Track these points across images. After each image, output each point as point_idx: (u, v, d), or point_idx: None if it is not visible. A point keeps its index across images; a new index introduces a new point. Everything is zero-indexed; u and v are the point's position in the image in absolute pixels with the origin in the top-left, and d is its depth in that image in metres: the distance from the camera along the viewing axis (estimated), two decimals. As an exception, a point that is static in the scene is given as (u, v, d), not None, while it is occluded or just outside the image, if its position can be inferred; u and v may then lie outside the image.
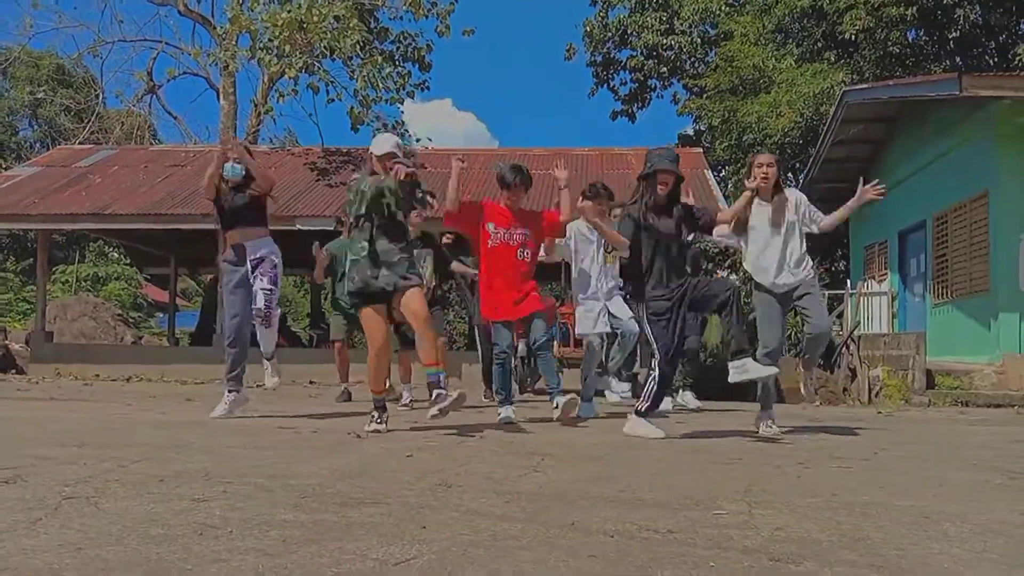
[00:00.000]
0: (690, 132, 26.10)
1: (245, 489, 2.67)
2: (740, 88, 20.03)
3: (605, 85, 26.23)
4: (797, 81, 17.35)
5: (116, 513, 2.30)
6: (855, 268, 16.55)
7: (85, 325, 17.06)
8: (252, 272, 5.57)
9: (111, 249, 26.97)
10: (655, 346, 4.66)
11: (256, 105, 18.66)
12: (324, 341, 13.78)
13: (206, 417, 5.45)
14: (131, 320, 23.00)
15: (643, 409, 4.69)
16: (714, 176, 18.12)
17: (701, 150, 16.28)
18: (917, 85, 11.53)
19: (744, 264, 5.35)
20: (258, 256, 5.61)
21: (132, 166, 14.60)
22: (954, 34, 15.59)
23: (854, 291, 14.68)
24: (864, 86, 13.94)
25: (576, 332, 6.77)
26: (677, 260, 4.78)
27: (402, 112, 15.52)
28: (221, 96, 18.59)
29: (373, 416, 4.77)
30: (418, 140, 16.55)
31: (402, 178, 4.74)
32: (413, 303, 4.71)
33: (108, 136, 21.26)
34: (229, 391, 5.60)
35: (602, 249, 6.35)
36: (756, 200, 5.13)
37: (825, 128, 15.15)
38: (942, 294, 12.79)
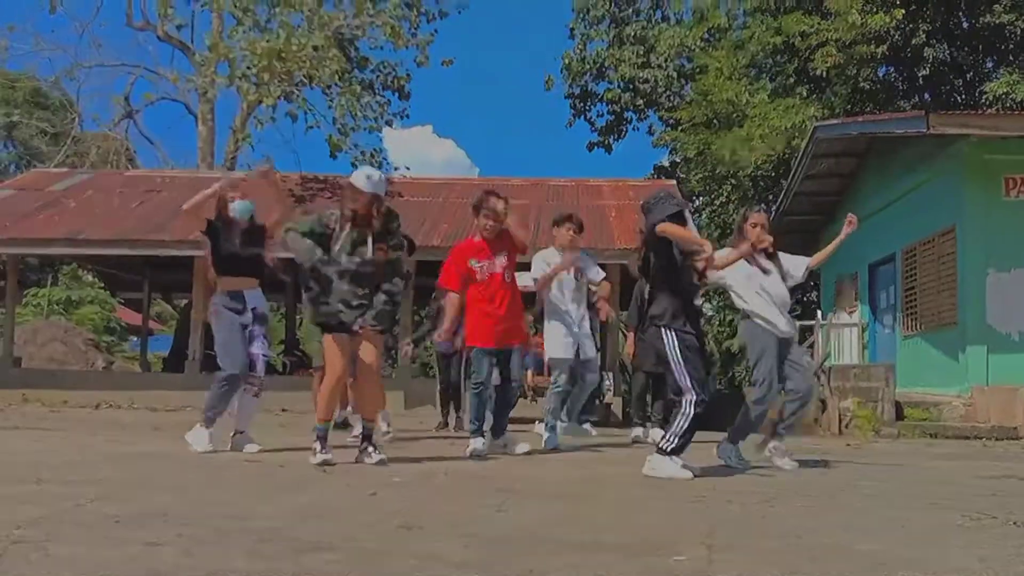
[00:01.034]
0: (665, 163, 26.39)
1: (201, 532, 2.64)
2: (714, 122, 20.30)
3: (582, 116, 26.55)
4: (770, 115, 17.62)
5: (66, 559, 2.26)
6: (826, 300, 16.73)
7: (55, 350, 16.83)
8: (251, 324, 5.37)
9: (85, 272, 26.70)
10: (688, 382, 4.51)
11: (234, 131, 18.66)
12: (298, 367, 13.68)
13: (174, 449, 5.36)
14: (103, 344, 22.72)
15: (669, 448, 4.48)
16: (688, 207, 18.32)
17: (675, 182, 16.41)
18: (886, 122, 11.75)
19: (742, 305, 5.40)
20: (257, 309, 5.43)
21: (107, 191, 14.49)
22: (923, 72, 15.94)
23: (824, 322, 14.82)
24: (835, 121, 14.18)
25: (546, 357, 6.78)
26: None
27: (382, 139, 15.54)
28: (199, 122, 18.58)
29: (315, 448, 4.62)
30: (396, 169, 16.60)
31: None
32: (369, 355, 4.77)
33: (84, 159, 21.14)
34: (205, 427, 5.31)
35: (574, 276, 6.40)
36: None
37: (797, 162, 15.36)
38: (912, 326, 12.94)
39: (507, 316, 5.64)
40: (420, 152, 66.77)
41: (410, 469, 4.59)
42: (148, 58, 38.18)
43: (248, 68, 13.45)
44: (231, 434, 5.40)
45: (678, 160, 24.76)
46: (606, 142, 27.10)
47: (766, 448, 5.31)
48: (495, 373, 5.74)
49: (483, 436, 5.63)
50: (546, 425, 6.42)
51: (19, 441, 6.06)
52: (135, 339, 28.31)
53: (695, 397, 4.46)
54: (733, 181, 19.13)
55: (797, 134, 16.67)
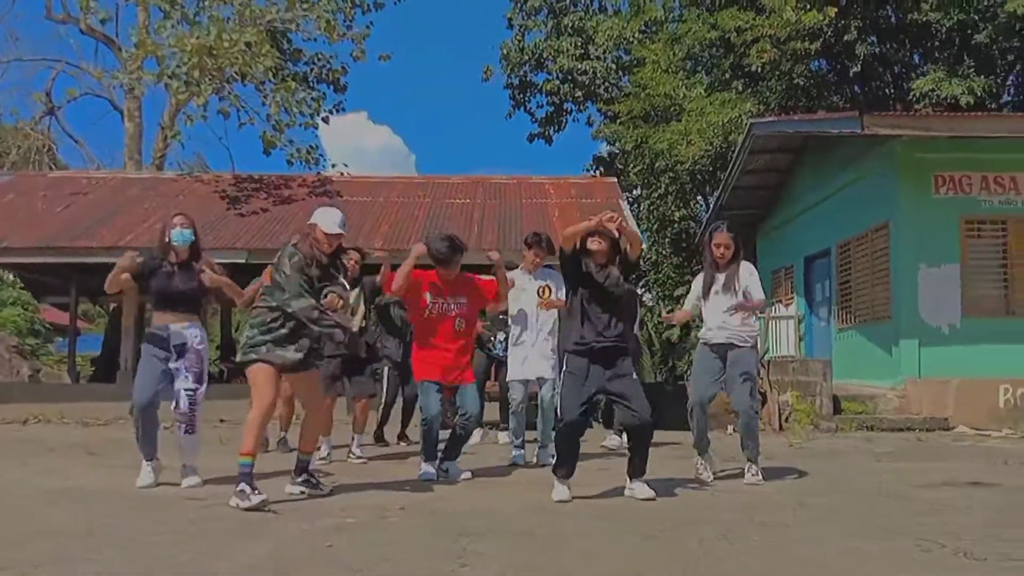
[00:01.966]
0: (604, 155, 26.50)
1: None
2: (652, 115, 20.46)
3: (522, 108, 26.43)
4: (707, 110, 17.82)
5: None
6: (764, 291, 17.05)
7: (-24, 358, 16.10)
8: (175, 358, 5.13)
9: (5, 272, 25.59)
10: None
11: (163, 128, 18.04)
12: (235, 375, 13.36)
13: (112, 482, 5.14)
14: (28, 348, 21.82)
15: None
16: (627, 199, 18.48)
17: (615, 179, 16.50)
18: (821, 121, 11.99)
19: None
20: (183, 342, 5.15)
21: (29, 194, 13.88)
22: (855, 68, 16.29)
23: (762, 315, 15.12)
24: (771, 119, 14.41)
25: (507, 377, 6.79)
26: None
27: (317, 134, 15.24)
28: (126, 118, 17.90)
29: (244, 491, 4.34)
30: (334, 166, 16.30)
31: (335, 307, 4.64)
32: (312, 389, 4.81)
33: (3, 159, 20.18)
34: (144, 459, 5.14)
35: (537, 298, 6.37)
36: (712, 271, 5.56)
37: (734, 158, 15.58)
38: (846, 319, 13.28)
39: (454, 358, 5.59)
40: (354, 139, 65.65)
41: (363, 503, 4.49)
42: (70, 52, 36.40)
43: (178, 67, 12.99)
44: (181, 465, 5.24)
45: (616, 151, 24.89)
46: (546, 133, 27.06)
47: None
48: (444, 407, 5.72)
49: (433, 460, 5.60)
50: (512, 443, 6.56)
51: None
52: (61, 340, 27.30)
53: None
54: (671, 175, 19.32)
55: (734, 129, 16.89)
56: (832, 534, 3.76)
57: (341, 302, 4.67)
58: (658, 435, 8.32)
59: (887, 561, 3.24)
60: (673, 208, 21.28)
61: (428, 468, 5.52)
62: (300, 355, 4.65)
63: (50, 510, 4.36)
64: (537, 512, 4.26)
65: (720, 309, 5.51)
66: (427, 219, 12.82)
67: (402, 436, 8.16)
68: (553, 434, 6.51)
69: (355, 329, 6.42)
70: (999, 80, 15.36)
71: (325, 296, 4.61)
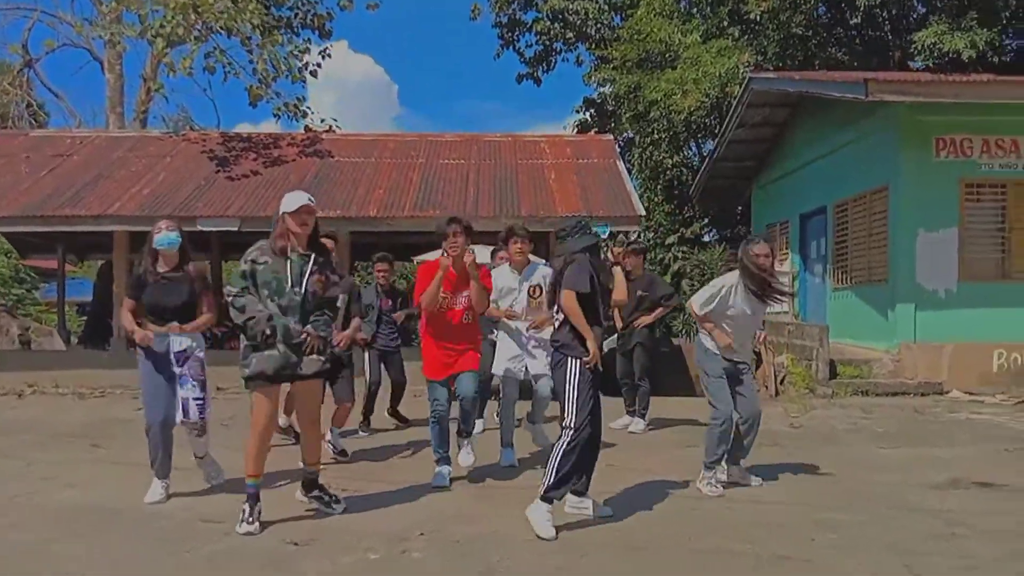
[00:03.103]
0: (595, 97, 26.03)
1: None
2: (646, 62, 20.04)
3: (511, 47, 25.86)
4: (703, 58, 17.46)
5: None
6: (758, 246, 17.00)
7: (-35, 319, 15.88)
8: (176, 365, 5.08)
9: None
10: (574, 412, 4.55)
11: (145, 80, 17.49)
12: (230, 337, 13.26)
13: (122, 494, 5.10)
14: (14, 299, 21.58)
15: (547, 487, 4.54)
16: (619, 143, 18.18)
17: (611, 136, 16.23)
18: (824, 83, 11.76)
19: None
20: (183, 349, 5.10)
21: (11, 155, 13.50)
22: (855, 19, 15.93)
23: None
24: (771, 75, 14.13)
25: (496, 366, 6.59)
26: None
27: (303, 86, 14.82)
28: (106, 69, 17.31)
29: (244, 511, 4.44)
30: (323, 120, 15.93)
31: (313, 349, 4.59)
32: (311, 402, 4.73)
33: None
34: (156, 476, 5.12)
35: (528, 298, 6.27)
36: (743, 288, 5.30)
37: (731, 111, 15.34)
38: (842, 279, 13.30)
39: (461, 350, 5.62)
40: (334, 69, 63.94)
41: (381, 529, 4.48)
42: (47, 1, 34.74)
43: (161, 26, 12.50)
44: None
45: (607, 92, 24.46)
46: (535, 74, 26.56)
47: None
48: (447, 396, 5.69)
49: (448, 465, 5.60)
50: (502, 441, 6.36)
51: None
52: (46, 285, 27.03)
53: (573, 431, 4.47)
54: (665, 123, 19.02)
55: (730, 80, 16.60)
56: (850, 569, 3.78)
57: (319, 343, 4.59)
58: (658, 407, 8.49)
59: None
60: (666, 155, 21.02)
61: (441, 470, 5.55)
62: (287, 357, 4.52)
63: (64, 545, 4.32)
64: (561, 548, 4.22)
65: (750, 330, 5.48)
66: (422, 182, 12.60)
67: (393, 413, 8.12)
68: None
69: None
70: (1001, 32, 15.07)
71: (305, 334, 4.55)
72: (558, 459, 4.43)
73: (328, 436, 6.57)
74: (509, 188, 12.34)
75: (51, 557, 4.09)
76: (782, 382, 11.51)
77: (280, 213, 4.60)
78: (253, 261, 4.57)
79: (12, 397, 10.78)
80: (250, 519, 4.43)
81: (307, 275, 4.58)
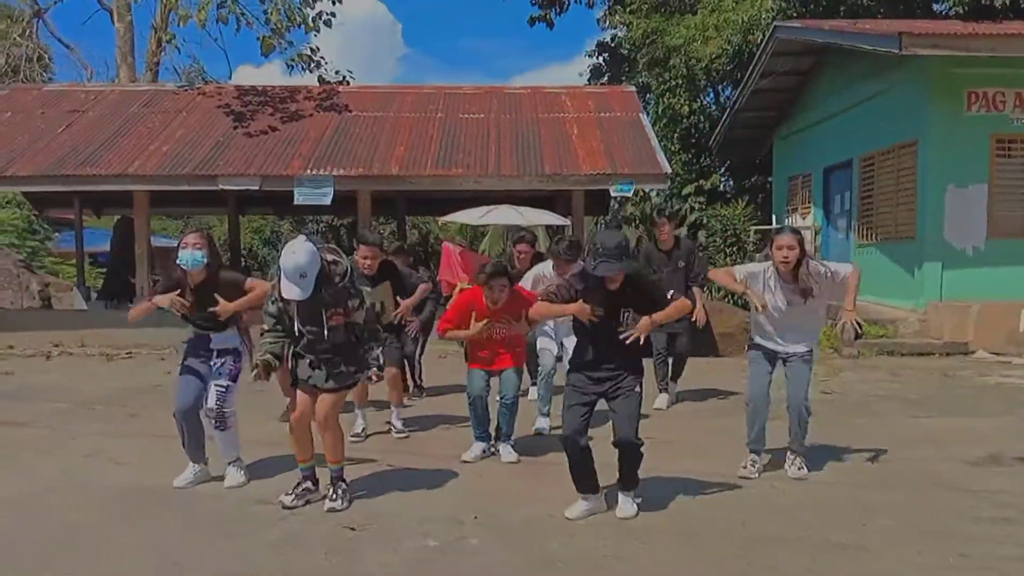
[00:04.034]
0: (609, 40, 25.48)
1: None
2: (664, 6, 19.58)
3: (522, -12, 25.30)
4: (724, 4, 17.05)
5: None
6: (778, 199, 16.83)
7: (-16, 274, 15.95)
8: (215, 357, 5.05)
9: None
10: None
11: (155, 29, 17.14)
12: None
13: (169, 473, 5.10)
14: (29, 252, 21.55)
15: None
16: (634, 87, 17.79)
17: (633, 88, 15.91)
18: (854, 34, 11.46)
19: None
20: (224, 347, 5.08)
21: (27, 111, 13.32)
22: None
23: (782, 226, 14.97)
24: (797, 24, 13.78)
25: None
26: None
27: (316, 35, 14.44)
28: (115, 19, 16.96)
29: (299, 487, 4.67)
30: (337, 72, 15.64)
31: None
32: (321, 409, 4.65)
33: (-8, 68, 19.19)
34: (193, 462, 5.11)
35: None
36: (774, 277, 5.11)
37: (754, 61, 15.02)
38: (867, 235, 13.16)
39: (502, 351, 5.70)
40: (336, 9, 62.40)
41: (434, 512, 4.51)
42: None
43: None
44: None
45: (621, 35, 23.94)
46: (547, 16, 26.01)
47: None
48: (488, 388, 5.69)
49: (484, 442, 5.69)
50: (539, 412, 6.44)
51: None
52: (59, 235, 27.03)
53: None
54: (684, 70, 18.62)
55: (753, 27, 16.20)
56: (918, 565, 3.78)
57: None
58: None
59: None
60: (684, 103, 20.65)
61: (474, 448, 5.65)
62: (312, 371, 4.65)
63: (117, 528, 4.35)
64: (615, 537, 4.24)
65: (797, 321, 5.17)
66: (443, 138, 12.42)
67: (416, 385, 8.10)
68: None
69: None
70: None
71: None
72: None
73: (393, 418, 6.55)
74: (532, 144, 12.16)
75: (106, 542, 4.11)
76: (806, 340, 11.48)
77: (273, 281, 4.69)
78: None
79: (40, 359, 10.86)
80: (297, 491, 4.65)
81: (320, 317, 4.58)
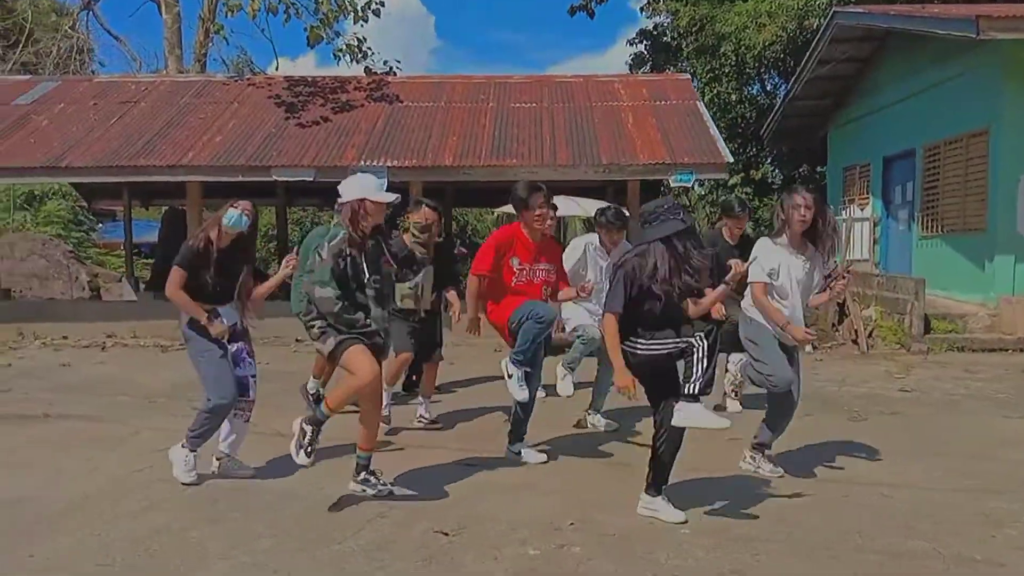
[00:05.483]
0: (651, 28, 25.07)
1: None
2: (715, -7, 19.19)
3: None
4: (777, -11, 16.63)
5: None
6: (833, 190, 16.42)
7: (36, 265, 16.04)
8: (233, 342, 4.87)
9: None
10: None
11: (203, 20, 17.09)
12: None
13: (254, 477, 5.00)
14: (73, 241, 21.71)
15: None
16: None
17: (689, 76, 15.57)
18: (925, 19, 11.04)
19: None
20: (237, 326, 4.89)
21: (79, 102, 13.32)
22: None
23: (841, 217, 14.56)
24: (859, 9, 13.36)
25: (568, 324, 6.21)
26: None
27: (363, 24, 14.21)
28: (163, 10, 16.94)
29: (303, 436, 4.46)
30: (385, 62, 15.49)
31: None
32: (378, 384, 4.54)
33: (43, 60, 19.29)
34: (191, 450, 4.80)
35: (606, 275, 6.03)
36: (784, 247, 4.80)
37: (811, 48, 14.63)
38: (931, 227, 12.76)
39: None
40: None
41: (527, 516, 4.32)
42: None
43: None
44: (217, 456, 4.99)
45: (666, 24, 23.55)
46: (587, 5, 25.65)
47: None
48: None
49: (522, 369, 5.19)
50: (568, 368, 5.85)
51: (46, 458, 5.64)
52: (103, 225, 27.27)
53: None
54: (734, 58, 18.24)
55: (809, 13, 15.80)
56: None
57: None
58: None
59: None
60: (731, 90, 20.25)
61: (516, 449, 5.39)
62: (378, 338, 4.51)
63: (202, 530, 4.22)
64: (709, 536, 4.05)
65: (798, 304, 4.86)
66: (495, 128, 12.20)
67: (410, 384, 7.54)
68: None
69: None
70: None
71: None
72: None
73: (421, 409, 6.44)
74: (587, 133, 11.90)
75: (197, 547, 3.97)
76: (870, 336, 11.13)
77: (360, 197, 4.39)
78: (345, 255, 4.41)
79: (95, 350, 10.85)
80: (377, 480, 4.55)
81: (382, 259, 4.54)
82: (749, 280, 4.82)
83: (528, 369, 5.16)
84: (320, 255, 4.38)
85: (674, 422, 4.08)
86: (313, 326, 4.49)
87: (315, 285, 4.36)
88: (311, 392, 6.47)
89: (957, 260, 11.82)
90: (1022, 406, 7.18)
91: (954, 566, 3.70)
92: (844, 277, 4.81)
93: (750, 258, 4.86)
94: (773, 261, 4.80)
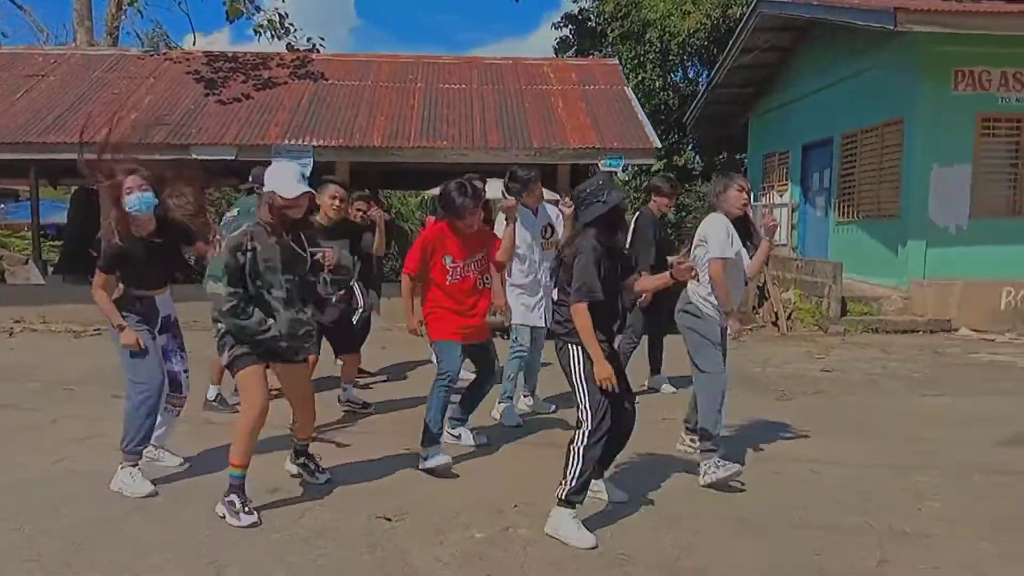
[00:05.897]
0: (575, 12, 25.15)
1: None
2: (641, -21, 19.33)
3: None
4: (702, -23, 16.88)
5: None
6: (753, 176, 16.79)
7: (-67, 247, 15.08)
8: (162, 334, 4.60)
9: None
10: (587, 406, 3.85)
11: (115, -9, 16.31)
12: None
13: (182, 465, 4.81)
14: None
15: (566, 494, 3.85)
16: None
17: (617, 62, 15.64)
18: (845, 10, 11.34)
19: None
20: (169, 314, 4.65)
21: (-22, 75, 12.57)
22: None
23: (758, 204, 14.94)
24: (782, -1, 13.63)
25: (508, 320, 6.01)
26: None
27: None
28: (71, -22, 16.09)
29: (234, 503, 3.97)
30: (308, 39, 15.08)
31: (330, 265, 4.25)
32: (304, 383, 4.42)
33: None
34: (133, 465, 4.42)
35: (540, 238, 5.96)
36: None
37: (735, 36, 14.89)
38: (847, 213, 13.18)
39: (477, 320, 5.04)
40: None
41: (467, 500, 4.28)
42: None
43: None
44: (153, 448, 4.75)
45: (591, 9, 23.64)
46: (512, -13, 25.57)
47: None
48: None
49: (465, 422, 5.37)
50: (503, 394, 5.95)
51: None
52: (3, 206, 25.93)
53: (590, 427, 3.79)
54: (658, 45, 18.46)
55: (733, 2, 16.07)
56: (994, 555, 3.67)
57: (331, 261, 4.25)
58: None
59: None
60: (654, 77, 20.50)
61: (441, 459, 4.79)
62: (281, 344, 4.08)
63: (133, 524, 4.03)
64: (652, 515, 4.10)
65: (739, 280, 4.85)
66: (424, 109, 12.03)
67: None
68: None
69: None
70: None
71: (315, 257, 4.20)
72: (579, 460, 3.78)
73: (341, 395, 6.32)
74: (517, 116, 11.85)
75: (131, 538, 3.80)
76: (790, 318, 11.47)
77: (268, 191, 3.99)
78: (246, 249, 3.96)
79: (2, 336, 10.29)
80: (245, 507, 4.01)
81: (303, 254, 4.17)
82: (714, 256, 4.62)
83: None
84: (218, 248, 4.12)
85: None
86: (216, 324, 4.10)
87: (209, 279, 3.96)
88: (210, 399, 6.18)
89: (872, 245, 12.25)
90: (937, 385, 7.51)
91: (887, 540, 3.83)
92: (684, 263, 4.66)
93: (703, 236, 4.73)
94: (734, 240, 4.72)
